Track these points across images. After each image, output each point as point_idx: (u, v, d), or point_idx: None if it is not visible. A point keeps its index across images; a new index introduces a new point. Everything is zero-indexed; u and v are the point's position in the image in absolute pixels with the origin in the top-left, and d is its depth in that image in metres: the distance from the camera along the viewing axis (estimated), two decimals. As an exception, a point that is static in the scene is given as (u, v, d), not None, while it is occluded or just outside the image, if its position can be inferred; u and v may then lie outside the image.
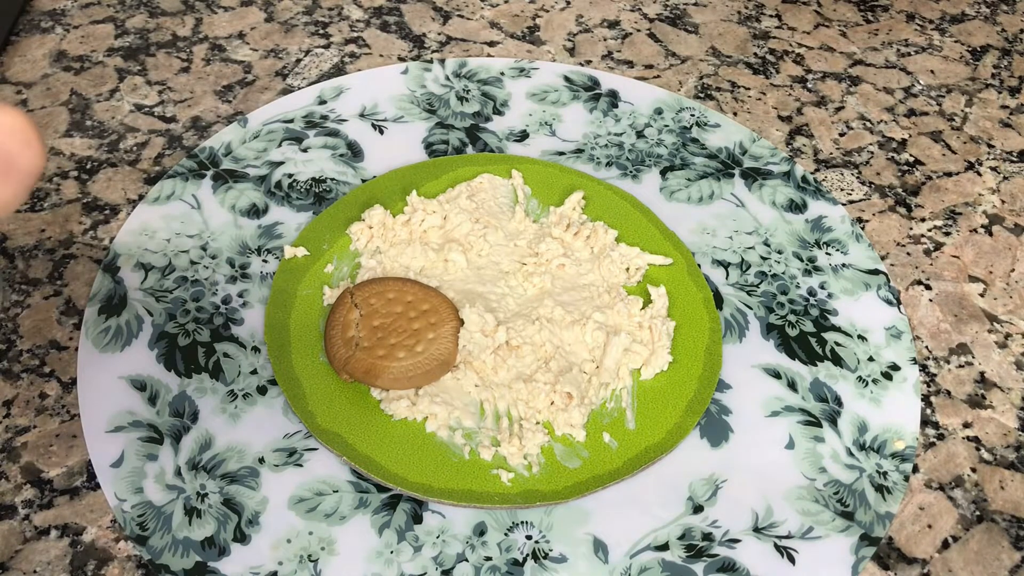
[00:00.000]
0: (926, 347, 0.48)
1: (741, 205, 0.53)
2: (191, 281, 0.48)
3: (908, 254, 0.53)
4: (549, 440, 0.43)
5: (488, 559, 0.39)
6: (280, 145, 0.55)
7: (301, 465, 0.42)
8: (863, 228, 0.53)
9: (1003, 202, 0.56)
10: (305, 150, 0.55)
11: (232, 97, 0.58)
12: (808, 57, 0.64)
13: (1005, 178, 0.57)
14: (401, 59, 0.62)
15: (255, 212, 0.51)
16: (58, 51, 0.61)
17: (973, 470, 0.44)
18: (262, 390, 0.44)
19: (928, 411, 0.46)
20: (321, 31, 0.63)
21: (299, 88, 0.59)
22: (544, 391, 0.44)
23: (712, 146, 0.56)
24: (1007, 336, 0.49)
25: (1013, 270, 0.52)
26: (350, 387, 0.44)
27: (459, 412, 0.43)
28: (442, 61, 0.61)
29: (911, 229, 0.54)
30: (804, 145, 0.58)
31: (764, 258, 0.51)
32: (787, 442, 0.44)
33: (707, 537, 0.41)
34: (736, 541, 0.41)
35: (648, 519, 0.41)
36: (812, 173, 0.56)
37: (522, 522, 0.41)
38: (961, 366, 0.48)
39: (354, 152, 0.55)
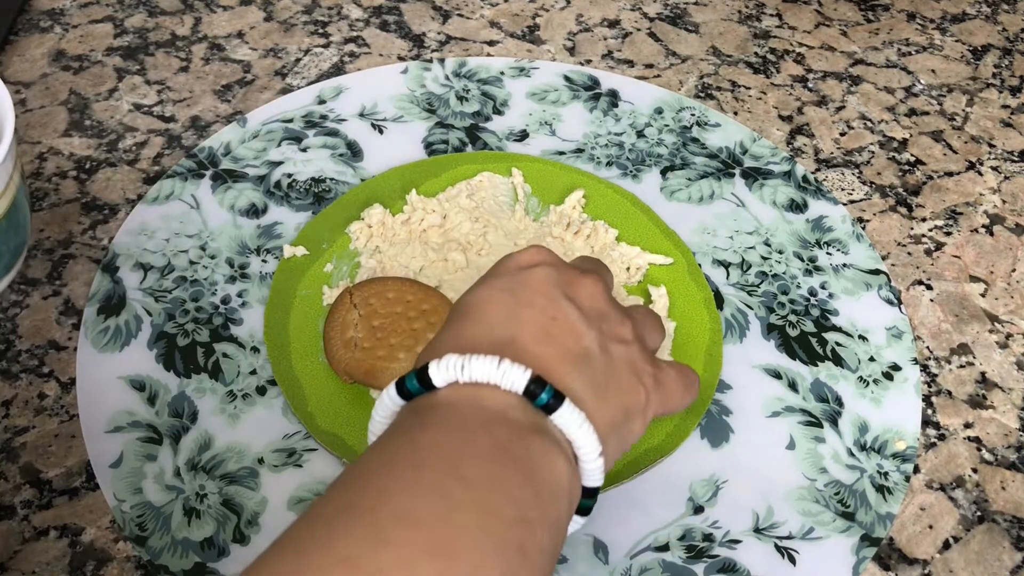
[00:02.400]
0: (927, 347, 0.48)
1: (741, 205, 0.53)
2: (190, 281, 0.48)
3: (909, 254, 0.53)
4: (549, 440, 0.43)
5: (488, 560, 0.39)
6: (279, 145, 0.55)
7: (301, 466, 0.42)
8: (864, 228, 0.53)
9: (1004, 202, 0.56)
10: (304, 150, 0.55)
11: (231, 97, 0.58)
12: (809, 56, 0.64)
13: (1006, 178, 0.57)
14: (401, 59, 0.62)
15: (254, 212, 0.51)
16: (57, 50, 0.61)
17: (974, 470, 0.44)
18: (261, 390, 0.44)
19: (929, 411, 0.46)
20: (320, 30, 0.63)
21: (298, 88, 0.59)
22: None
23: (712, 146, 0.56)
24: (1008, 336, 0.49)
25: (1014, 270, 0.52)
26: (350, 388, 0.44)
27: (459, 412, 0.43)
28: (442, 61, 0.61)
29: (912, 229, 0.54)
30: (805, 145, 0.58)
31: (765, 258, 0.51)
32: (788, 442, 0.44)
33: (707, 538, 0.41)
34: (737, 542, 0.40)
35: (648, 520, 0.41)
36: (813, 173, 0.56)
37: (522, 523, 0.41)
38: (962, 366, 0.48)
39: (354, 152, 0.55)
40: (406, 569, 0.23)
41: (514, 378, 0.29)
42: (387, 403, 0.31)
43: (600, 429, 0.31)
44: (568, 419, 0.30)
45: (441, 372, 0.30)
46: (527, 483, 0.27)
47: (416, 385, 0.30)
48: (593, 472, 0.30)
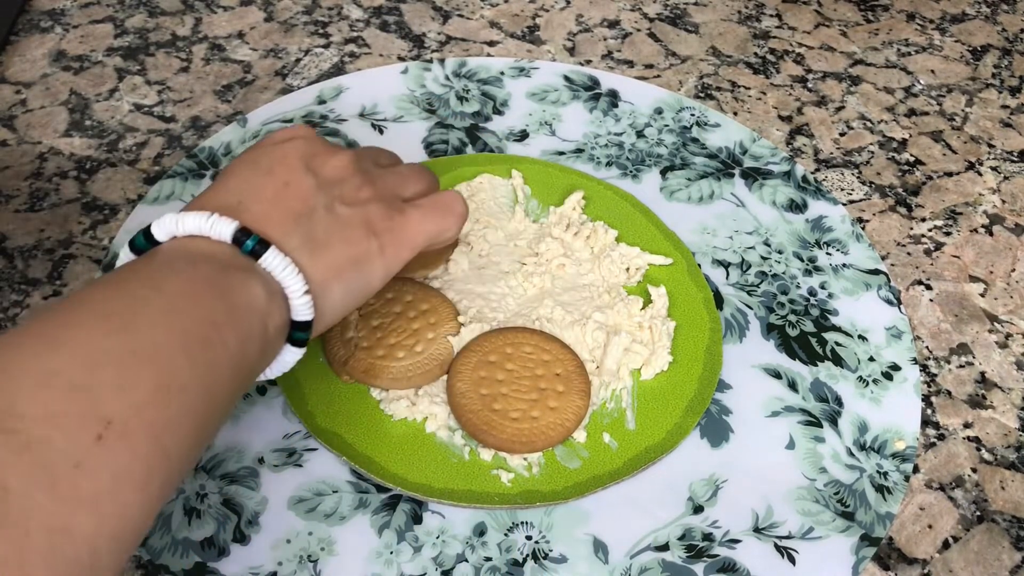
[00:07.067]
0: (926, 347, 0.48)
1: (741, 205, 0.53)
2: (191, 281, 0.48)
3: (908, 254, 0.53)
4: (549, 440, 0.43)
5: (488, 559, 0.39)
6: (280, 145, 0.55)
7: (301, 465, 0.42)
8: (863, 228, 0.53)
9: (1003, 202, 0.56)
10: (305, 150, 0.55)
11: (232, 97, 0.58)
12: (808, 57, 0.64)
13: (1005, 178, 0.57)
14: (401, 59, 0.62)
15: (255, 212, 0.51)
16: (57, 51, 0.61)
17: (974, 470, 0.44)
18: (261, 390, 0.44)
19: (928, 411, 0.46)
20: (321, 31, 0.63)
21: (299, 88, 0.59)
22: (544, 391, 0.44)
23: (712, 146, 0.56)
24: (1008, 336, 0.49)
25: (1014, 270, 0.52)
26: (349, 387, 0.44)
27: (459, 412, 0.43)
28: (442, 61, 0.61)
29: (911, 229, 0.54)
30: (804, 145, 0.58)
31: (764, 258, 0.51)
32: (787, 442, 0.44)
33: (707, 537, 0.41)
34: (736, 541, 0.40)
35: (648, 519, 0.41)
36: (812, 173, 0.56)
37: (522, 522, 0.41)
38: (962, 366, 0.48)
39: (354, 152, 0.55)
40: (91, 342, 0.29)
41: (221, 229, 0.34)
42: (123, 259, 0.35)
43: (316, 275, 0.35)
44: (272, 262, 0.34)
45: (160, 227, 0.34)
46: (219, 298, 0.32)
47: (142, 240, 0.34)
48: (300, 307, 0.35)
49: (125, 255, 0.35)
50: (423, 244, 0.40)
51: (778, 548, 0.40)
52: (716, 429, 0.44)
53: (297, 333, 0.36)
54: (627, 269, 0.49)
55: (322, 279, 0.36)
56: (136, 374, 0.29)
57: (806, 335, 0.48)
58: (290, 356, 0.36)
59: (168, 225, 0.34)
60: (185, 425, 0.30)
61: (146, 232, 0.34)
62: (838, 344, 0.47)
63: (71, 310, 0.30)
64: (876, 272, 0.51)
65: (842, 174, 0.56)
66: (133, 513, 0.28)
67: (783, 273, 0.50)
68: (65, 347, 0.28)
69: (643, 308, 0.47)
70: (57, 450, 0.26)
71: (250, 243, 0.34)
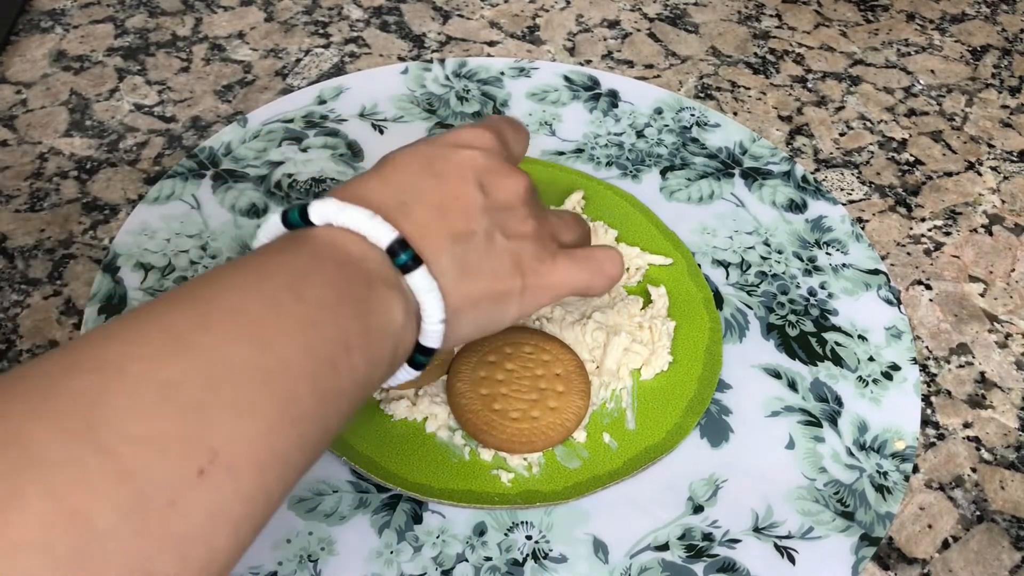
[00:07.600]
0: (926, 347, 0.48)
1: (741, 205, 0.53)
2: (191, 281, 0.48)
3: (908, 254, 0.53)
4: (549, 440, 0.43)
5: (488, 559, 0.39)
6: (280, 145, 0.55)
7: (301, 465, 0.42)
8: (863, 228, 0.53)
9: (1003, 202, 0.56)
10: (305, 150, 0.55)
11: (232, 97, 0.58)
12: (808, 57, 0.64)
13: (1005, 178, 0.57)
14: (401, 59, 0.62)
15: (255, 212, 0.51)
16: (58, 51, 0.61)
17: (973, 470, 0.44)
18: (262, 390, 0.44)
19: (928, 411, 0.46)
20: (321, 31, 0.63)
21: (299, 88, 0.59)
22: (544, 391, 0.44)
23: (712, 146, 0.56)
24: (1007, 336, 0.49)
25: (1013, 270, 0.52)
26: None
27: (459, 412, 0.43)
28: (442, 61, 0.61)
29: (911, 229, 0.54)
30: (804, 145, 0.58)
31: (764, 258, 0.51)
32: (787, 442, 0.44)
33: (707, 537, 0.41)
34: (736, 541, 0.41)
35: (648, 519, 0.41)
36: (812, 173, 0.56)
37: (522, 522, 0.41)
38: (961, 366, 0.48)
39: (354, 152, 0.55)
40: (220, 349, 0.26)
41: (380, 235, 0.32)
42: (271, 227, 0.33)
43: (454, 302, 0.33)
44: (419, 283, 0.32)
45: (319, 211, 0.32)
46: (357, 316, 0.30)
47: (297, 217, 0.32)
48: (432, 334, 0.33)
49: (273, 226, 0.33)
50: (565, 295, 0.38)
51: (778, 548, 0.40)
52: (716, 429, 0.44)
53: (418, 356, 0.34)
54: (627, 269, 0.49)
55: (459, 307, 0.34)
56: (256, 397, 0.26)
57: (806, 335, 0.48)
58: (403, 375, 0.35)
59: (329, 212, 0.32)
60: (292, 460, 0.27)
61: (302, 211, 0.32)
62: (838, 344, 0.47)
63: (208, 303, 0.28)
64: (876, 272, 0.51)
65: (842, 174, 0.56)
66: (220, 557, 0.25)
67: (783, 273, 0.50)
68: (190, 352, 0.26)
69: (643, 308, 0.47)
70: (154, 483, 0.23)
71: (404, 257, 0.32)
